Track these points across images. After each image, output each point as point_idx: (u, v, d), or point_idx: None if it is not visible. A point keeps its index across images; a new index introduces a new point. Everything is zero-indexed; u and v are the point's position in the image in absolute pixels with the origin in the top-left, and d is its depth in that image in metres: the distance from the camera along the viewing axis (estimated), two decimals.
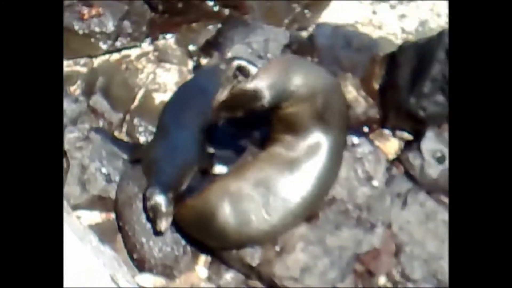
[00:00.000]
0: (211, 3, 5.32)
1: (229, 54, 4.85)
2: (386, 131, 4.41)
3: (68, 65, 5.04)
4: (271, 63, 4.17)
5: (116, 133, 4.63)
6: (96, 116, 4.69)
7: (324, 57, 4.80)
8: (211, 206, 3.86)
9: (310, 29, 5.20)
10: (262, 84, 3.83)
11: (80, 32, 5.07)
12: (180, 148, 4.23)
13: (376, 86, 4.63)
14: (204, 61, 4.97)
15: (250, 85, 3.84)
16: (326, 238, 3.90)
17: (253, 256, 3.90)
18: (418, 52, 4.36)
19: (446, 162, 4.07)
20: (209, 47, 5.04)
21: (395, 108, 4.39)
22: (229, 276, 4.02)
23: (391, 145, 4.32)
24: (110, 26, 5.09)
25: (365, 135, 4.36)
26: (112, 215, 4.29)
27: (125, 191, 4.23)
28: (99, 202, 4.31)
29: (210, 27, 5.26)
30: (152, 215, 3.98)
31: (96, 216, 4.31)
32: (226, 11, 5.32)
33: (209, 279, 4.03)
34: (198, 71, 4.90)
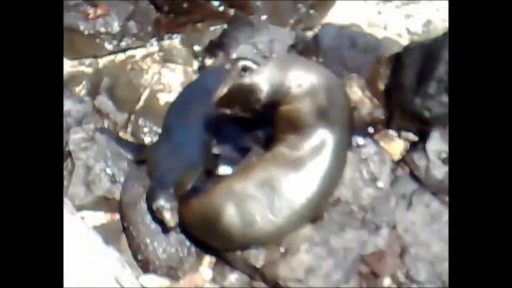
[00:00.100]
0: (216, 3, 5.32)
1: (234, 54, 4.85)
2: (391, 132, 4.40)
3: (73, 66, 5.06)
4: (270, 61, 4.18)
5: (121, 134, 4.65)
6: (101, 116, 4.70)
7: (329, 57, 4.78)
8: (215, 207, 3.86)
9: (315, 29, 5.19)
10: (258, 79, 3.90)
11: (86, 32, 5.08)
12: (185, 148, 4.24)
13: (381, 86, 4.61)
14: (209, 61, 4.98)
15: (247, 80, 3.90)
16: (331, 239, 3.89)
17: (257, 257, 3.89)
18: (424, 52, 4.34)
19: None
20: (214, 47, 5.04)
21: (400, 109, 4.37)
22: (233, 277, 4.02)
23: (396, 146, 4.31)
24: (116, 26, 5.10)
25: (370, 135, 4.34)
26: (117, 216, 4.29)
27: (130, 192, 4.24)
28: (103, 203, 4.31)
29: (215, 27, 5.27)
30: (158, 213, 3.98)
31: (101, 217, 4.32)
32: (231, 11, 5.32)
33: (213, 280, 4.03)
34: (203, 72, 4.91)
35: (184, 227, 4.04)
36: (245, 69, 4.49)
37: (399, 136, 4.38)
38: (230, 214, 3.81)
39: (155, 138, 4.58)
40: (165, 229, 4.02)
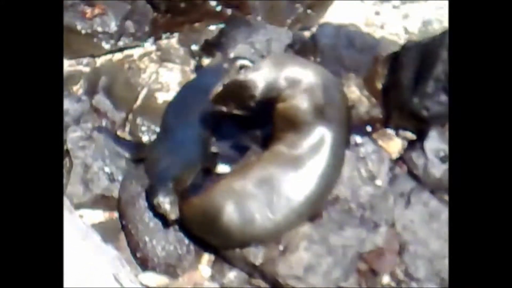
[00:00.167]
0: (213, 3, 5.33)
1: (232, 54, 4.86)
2: (390, 131, 4.40)
3: (70, 65, 5.06)
4: (266, 59, 4.20)
5: (119, 133, 4.63)
6: (99, 115, 4.68)
7: (327, 57, 4.79)
8: (215, 205, 3.85)
9: (313, 29, 5.19)
10: (252, 75, 3.93)
11: (83, 32, 5.08)
12: (183, 147, 4.24)
13: (379, 85, 4.62)
14: (206, 61, 4.98)
15: (241, 76, 3.94)
16: (330, 237, 3.89)
17: (256, 255, 3.89)
18: (421, 52, 4.35)
19: None
20: (211, 47, 5.05)
21: (398, 108, 4.38)
22: (232, 275, 4.01)
23: (394, 144, 4.31)
24: (113, 26, 5.10)
25: (368, 134, 4.35)
26: (115, 214, 4.28)
27: (128, 190, 4.23)
28: (102, 201, 4.30)
29: (213, 27, 5.27)
30: (159, 208, 3.98)
31: (99, 215, 4.31)
32: (229, 11, 5.33)
33: (212, 278, 4.02)
34: (201, 71, 4.90)
35: (184, 225, 4.03)
36: (243, 68, 4.52)
37: (397, 134, 4.38)
38: (230, 212, 3.81)
39: (153, 137, 4.57)
40: (166, 223, 4.02)
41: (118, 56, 5.14)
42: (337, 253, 3.86)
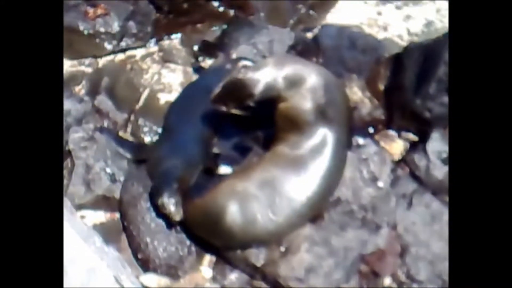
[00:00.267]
0: (216, 4, 5.33)
1: (234, 55, 4.86)
2: (392, 132, 4.39)
3: (73, 65, 5.06)
4: (266, 58, 4.20)
5: (121, 133, 4.63)
6: (101, 116, 4.69)
7: (329, 58, 4.78)
8: (218, 206, 3.85)
9: (315, 30, 5.18)
10: (251, 73, 3.93)
11: (85, 32, 5.08)
12: (185, 148, 4.24)
13: (382, 87, 4.62)
14: (209, 61, 4.98)
15: (240, 75, 3.93)
16: (331, 239, 3.89)
17: (258, 256, 3.89)
18: (424, 53, 4.34)
19: None
20: (214, 48, 5.05)
21: (401, 109, 4.37)
22: (233, 276, 4.01)
23: (396, 146, 4.30)
24: (115, 26, 5.11)
25: (371, 136, 4.34)
26: (117, 215, 4.29)
27: (130, 191, 4.23)
28: (103, 202, 4.31)
29: (215, 27, 5.28)
30: (163, 208, 3.97)
31: (101, 216, 4.31)
32: (231, 12, 5.33)
33: (213, 279, 4.02)
34: (203, 72, 4.90)
35: (186, 225, 4.04)
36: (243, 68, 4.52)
37: (399, 136, 4.37)
38: (232, 213, 3.81)
39: (155, 138, 4.57)
40: (169, 224, 4.02)
41: (120, 56, 5.14)
42: (339, 254, 3.86)
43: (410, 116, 4.30)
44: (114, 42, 5.12)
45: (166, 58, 5.08)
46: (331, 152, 3.87)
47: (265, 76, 3.91)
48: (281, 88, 3.91)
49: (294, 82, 3.90)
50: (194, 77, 4.91)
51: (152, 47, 5.20)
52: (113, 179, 4.33)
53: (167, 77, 4.94)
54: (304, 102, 3.90)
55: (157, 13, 5.32)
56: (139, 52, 5.16)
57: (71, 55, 5.07)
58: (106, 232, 4.11)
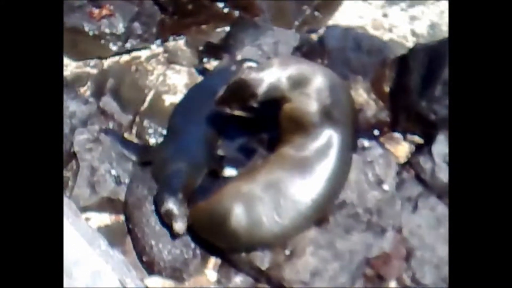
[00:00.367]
0: (221, 5, 5.32)
1: (239, 56, 4.86)
2: (397, 135, 4.38)
3: (78, 67, 5.06)
4: (270, 59, 4.19)
5: (126, 135, 4.63)
6: (106, 117, 4.69)
7: (334, 59, 4.77)
8: (223, 208, 3.84)
9: (320, 31, 5.16)
10: (254, 74, 3.91)
11: (90, 33, 5.09)
12: (190, 150, 4.23)
13: (387, 89, 4.61)
14: (214, 63, 4.98)
15: (243, 75, 3.92)
16: (336, 242, 3.88)
17: (262, 259, 3.88)
18: (429, 55, 4.34)
19: None
20: (219, 49, 5.05)
21: (406, 111, 4.36)
22: (238, 279, 4.01)
23: (401, 148, 4.29)
24: (120, 28, 5.11)
25: (376, 138, 4.34)
26: (122, 217, 4.29)
27: (135, 193, 4.23)
28: (108, 204, 4.31)
29: (220, 29, 5.27)
30: (167, 219, 3.97)
31: (105, 218, 4.31)
32: (236, 13, 5.32)
33: (218, 282, 4.02)
34: (208, 73, 4.90)
35: (191, 228, 4.02)
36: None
37: (405, 138, 4.36)
38: (237, 215, 3.80)
39: (160, 140, 4.57)
40: (173, 235, 4.02)
41: (125, 57, 5.14)
42: (344, 258, 3.86)
43: (416, 119, 4.29)
44: (119, 43, 5.12)
45: (171, 60, 5.08)
46: (337, 154, 3.86)
47: (268, 76, 3.89)
48: (285, 89, 3.90)
49: (298, 83, 3.89)
50: (199, 78, 4.91)
51: (157, 48, 5.19)
52: (118, 181, 4.33)
53: (172, 79, 4.94)
54: (309, 103, 3.89)
55: (162, 14, 5.32)
56: (144, 53, 5.16)
57: (76, 56, 5.08)
58: (110, 235, 4.12)
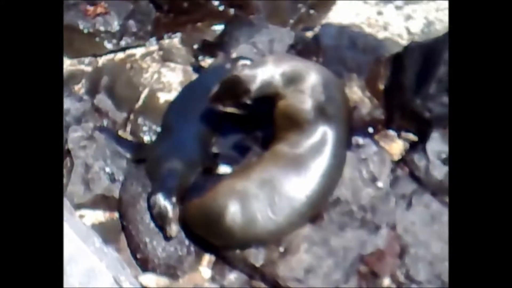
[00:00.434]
0: (216, 3, 5.32)
1: (234, 54, 4.86)
2: (391, 132, 4.38)
3: (72, 64, 5.06)
4: (264, 57, 4.20)
5: (120, 133, 4.63)
6: (100, 115, 4.69)
7: (329, 57, 4.76)
8: (218, 205, 3.84)
9: (316, 29, 5.17)
10: (248, 70, 3.94)
11: (85, 31, 5.09)
12: (184, 147, 4.23)
13: (382, 86, 4.60)
14: (209, 60, 4.97)
15: (236, 72, 3.96)
16: (330, 239, 3.88)
17: (257, 256, 3.88)
18: (424, 53, 4.34)
19: None
20: (214, 47, 5.04)
21: (401, 109, 4.36)
22: (232, 276, 4.01)
23: (396, 146, 4.29)
24: (115, 25, 5.11)
25: (370, 136, 4.34)
26: (116, 215, 4.29)
27: (129, 191, 4.23)
28: (102, 202, 4.31)
29: (215, 27, 5.27)
30: (160, 222, 3.99)
31: (100, 216, 4.31)
32: (232, 11, 5.32)
33: (212, 279, 4.02)
34: (203, 71, 4.89)
35: (186, 225, 4.03)
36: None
37: (399, 136, 4.36)
38: (232, 213, 3.80)
39: (155, 137, 4.57)
40: (166, 237, 4.02)
41: (120, 55, 5.14)
42: (338, 255, 3.86)
43: (410, 116, 4.29)
44: (114, 41, 5.12)
45: (166, 57, 5.07)
46: (331, 151, 3.86)
47: (262, 72, 3.91)
48: (279, 86, 3.91)
49: (292, 79, 3.90)
50: (194, 76, 4.91)
51: (152, 46, 5.19)
52: (112, 178, 4.33)
53: (167, 76, 4.93)
54: (303, 100, 3.90)
55: (157, 12, 5.32)
56: (139, 51, 5.15)
57: (70, 53, 5.07)
58: (105, 232, 4.12)
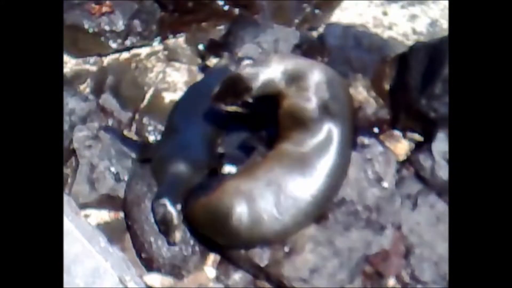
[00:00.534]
0: (221, 3, 5.32)
1: (239, 54, 4.85)
2: (397, 132, 4.38)
3: (77, 64, 5.07)
4: (267, 56, 4.20)
5: (125, 132, 4.63)
6: (106, 115, 4.69)
7: (335, 57, 4.77)
8: (224, 205, 3.83)
9: (321, 29, 5.18)
10: (249, 69, 3.93)
11: (90, 30, 5.08)
12: (189, 147, 4.22)
13: (387, 86, 4.61)
14: (213, 60, 4.97)
15: (237, 70, 3.97)
16: (336, 239, 3.88)
17: (261, 256, 3.88)
18: (429, 53, 4.33)
19: None
20: (219, 47, 5.04)
21: (406, 109, 4.36)
22: (237, 276, 4.01)
23: (401, 146, 4.29)
24: (120, 25, 5.10)
25: (376, 136, 4.33)
26: (121, 214, 4.29)
27: (134, 191, 4.23)
28: (107, 201, 4.31)
29: (220, 26, 5.26)
30: (164, 228, 3.99)
31: (105, 215, 4.32)
32: (236, 11, 5.32)
33: (217, 279, 4.02)
34: (208, 71, 4.89)
35: (191, 225, 4.03)
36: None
37: (404, 136, 4.36)
38: (238, 213, 3.79)
39: (160, 137, 4.57)
40: (169, 242, 4.03)
41: (125, 55, 5.14)
42: (343, 255, 3.85)
43: (415, 116, 4.29)
44: (119, 40, 5.12)
45: (171, 57, 5.08)
46: (336, 149, 3.85)
47: (263, 71, 3.90)
48: (281, 83, 3.90)
49: (294, 77, 3.89)
50: (199, 76, 4.92)
51: (157, 45, 5.19)
52: (117, 178, 4.33)
53: (171, 76, 4.94)
54: (307, 98, 3.89)
55: (162, 12, 5.31)
56: (144, 51, 5.15)
57: (75, 53, 5.08)
58: (110, 232, 4.12)
